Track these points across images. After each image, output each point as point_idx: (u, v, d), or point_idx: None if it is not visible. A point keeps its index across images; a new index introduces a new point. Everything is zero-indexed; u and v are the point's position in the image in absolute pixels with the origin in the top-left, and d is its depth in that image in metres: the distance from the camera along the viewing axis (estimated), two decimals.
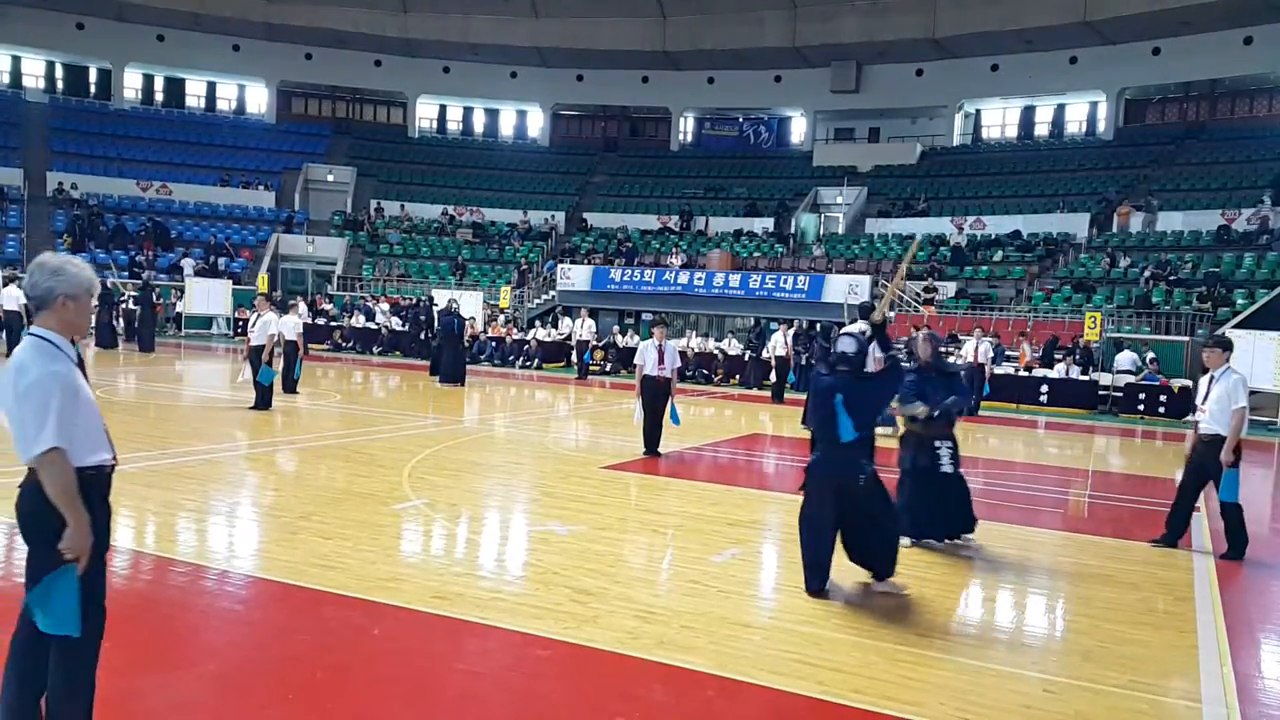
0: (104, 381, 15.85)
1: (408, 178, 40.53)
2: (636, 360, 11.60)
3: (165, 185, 36.62)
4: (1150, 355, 21.11)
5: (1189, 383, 19.99)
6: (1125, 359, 21.36)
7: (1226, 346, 7.82)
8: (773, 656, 4.83)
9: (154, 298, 24.40)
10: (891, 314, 25.19)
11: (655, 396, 11.18)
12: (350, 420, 13.48)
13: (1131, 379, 20.65)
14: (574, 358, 24.18)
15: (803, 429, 13.92)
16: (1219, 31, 31.30)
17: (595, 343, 24.64)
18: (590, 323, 24.61)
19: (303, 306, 16.32)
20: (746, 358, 23.55)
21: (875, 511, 6.05)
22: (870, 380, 6.14)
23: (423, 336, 25.06)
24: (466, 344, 21.34)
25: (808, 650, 4.93)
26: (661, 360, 11.19)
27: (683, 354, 12.91)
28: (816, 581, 5.91)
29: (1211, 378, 7.74)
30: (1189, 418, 18.78)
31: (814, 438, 6.34)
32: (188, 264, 31.62)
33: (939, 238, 31.13)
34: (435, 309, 23.31)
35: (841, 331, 6.18)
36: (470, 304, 27.39)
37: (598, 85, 41.45)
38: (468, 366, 20.26)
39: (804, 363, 22.31)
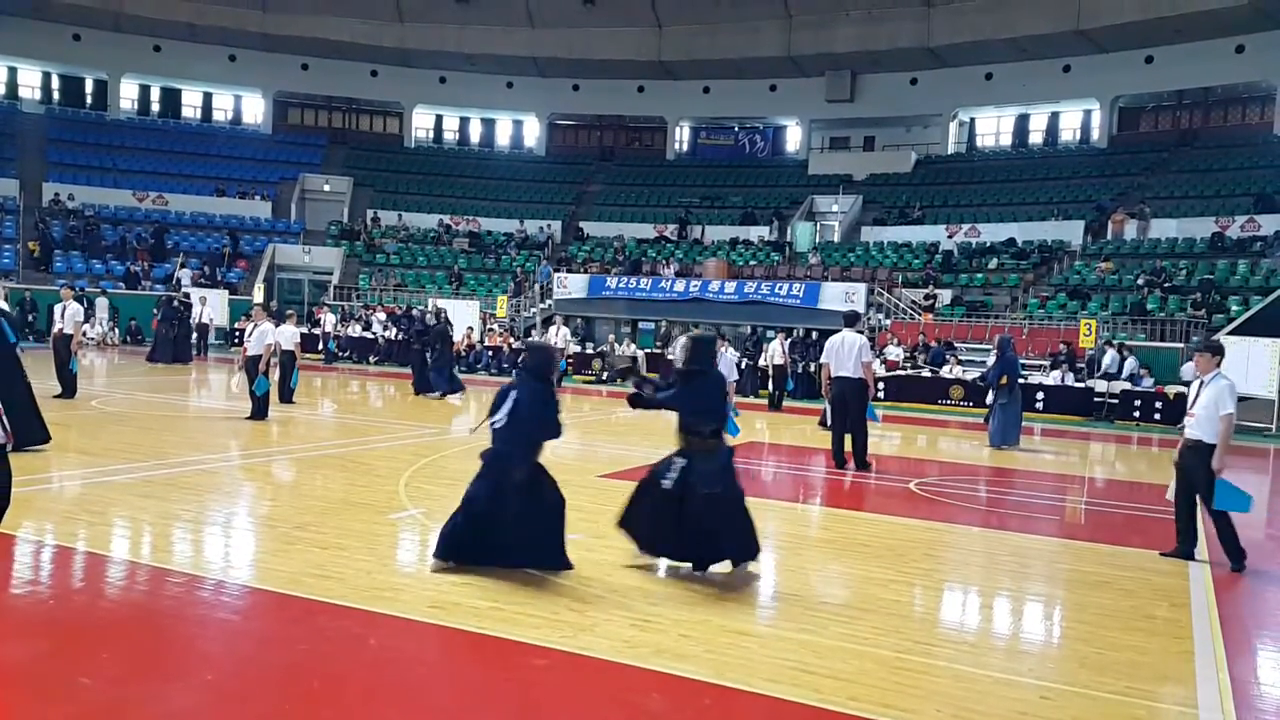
0: (102, 392, 15.83)
1: (404, 187, 40.54)
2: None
3: (161, 196, 36.60)
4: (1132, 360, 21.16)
5: (1184, 389, 20.02)
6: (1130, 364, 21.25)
7: (1217, 351, 7.71)
8: (770, 664, 4.82)
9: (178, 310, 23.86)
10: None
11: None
12: (346, 430, 13.47)
13: (1127, 385, 20.69)
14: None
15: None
16: (1211, 40, 31.49)
17: (568, 351, 24.39)
18: (565, 330, 24.55)
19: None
20: (743, 365, 23.54)
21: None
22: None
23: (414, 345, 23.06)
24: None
25: (805, 658, 4.93)
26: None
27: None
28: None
29: (1201, 382, 7.65)
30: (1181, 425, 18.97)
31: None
32: (185, 275, 31.52)
33: (934, 245, 31.21)
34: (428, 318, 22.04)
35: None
36: (467, 313, 27.39)
37: (594, 95, 41.55)
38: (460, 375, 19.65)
39: (800, 371, 22.39)
